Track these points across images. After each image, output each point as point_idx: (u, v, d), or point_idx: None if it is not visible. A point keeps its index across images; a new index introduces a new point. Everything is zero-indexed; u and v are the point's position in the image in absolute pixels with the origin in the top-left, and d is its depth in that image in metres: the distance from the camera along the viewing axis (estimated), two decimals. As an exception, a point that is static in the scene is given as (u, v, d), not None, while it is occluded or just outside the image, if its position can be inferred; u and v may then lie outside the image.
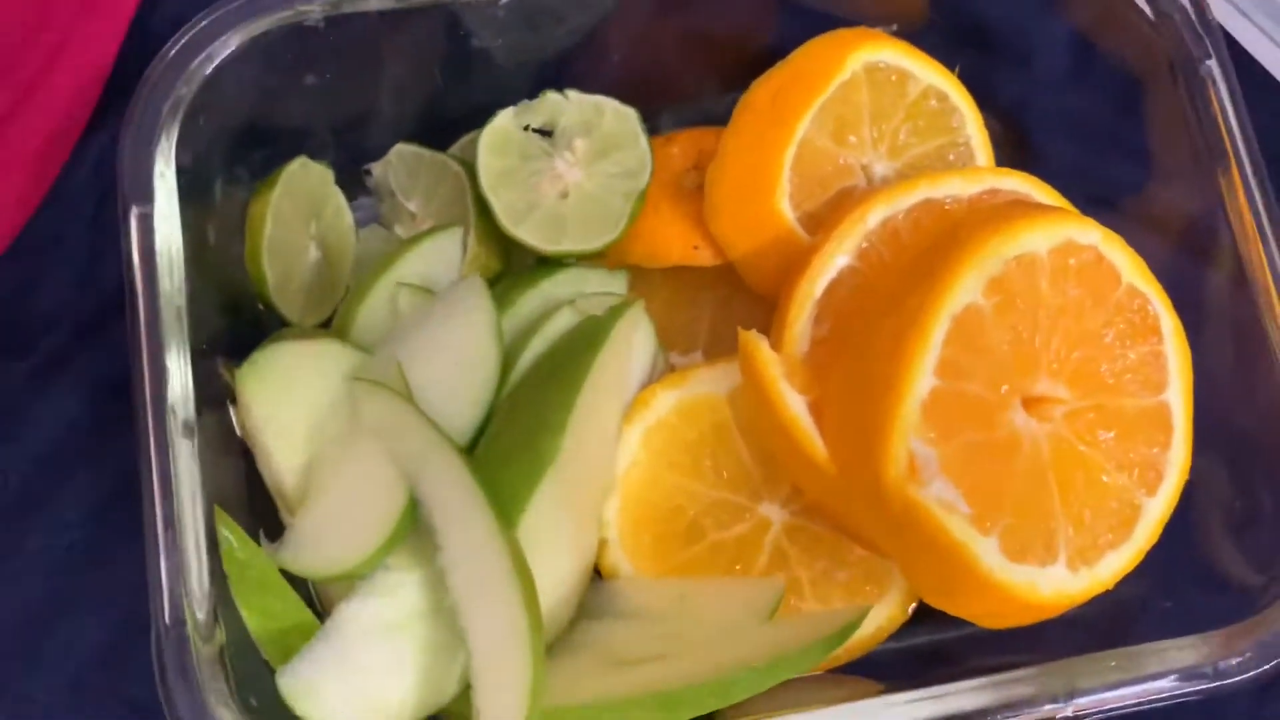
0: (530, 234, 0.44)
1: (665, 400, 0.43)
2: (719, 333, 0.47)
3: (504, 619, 0.35)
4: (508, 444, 0.39)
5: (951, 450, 0.37)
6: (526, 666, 0.35)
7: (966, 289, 0.38)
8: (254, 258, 0.43)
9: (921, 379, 0.37)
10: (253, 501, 0.41)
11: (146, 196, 0.39)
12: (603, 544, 0.43)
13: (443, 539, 0.37)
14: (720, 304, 0.48)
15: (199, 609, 0.36)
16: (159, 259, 0.38)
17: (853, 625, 0.38)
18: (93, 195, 0.49)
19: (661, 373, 0.45)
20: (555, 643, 0.40)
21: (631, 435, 0.43)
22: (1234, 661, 0.38)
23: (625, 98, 0.47)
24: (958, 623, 0.40)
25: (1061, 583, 0.38)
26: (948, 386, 0.38)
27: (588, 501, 0.41)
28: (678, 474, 0.43)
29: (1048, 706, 0.37)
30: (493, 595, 0.35)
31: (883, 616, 0.42)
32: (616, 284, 0.46)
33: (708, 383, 0.44)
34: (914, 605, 0.43)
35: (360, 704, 0.37)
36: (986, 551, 0.37)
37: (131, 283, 0.38)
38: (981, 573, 0.37)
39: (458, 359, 0.40)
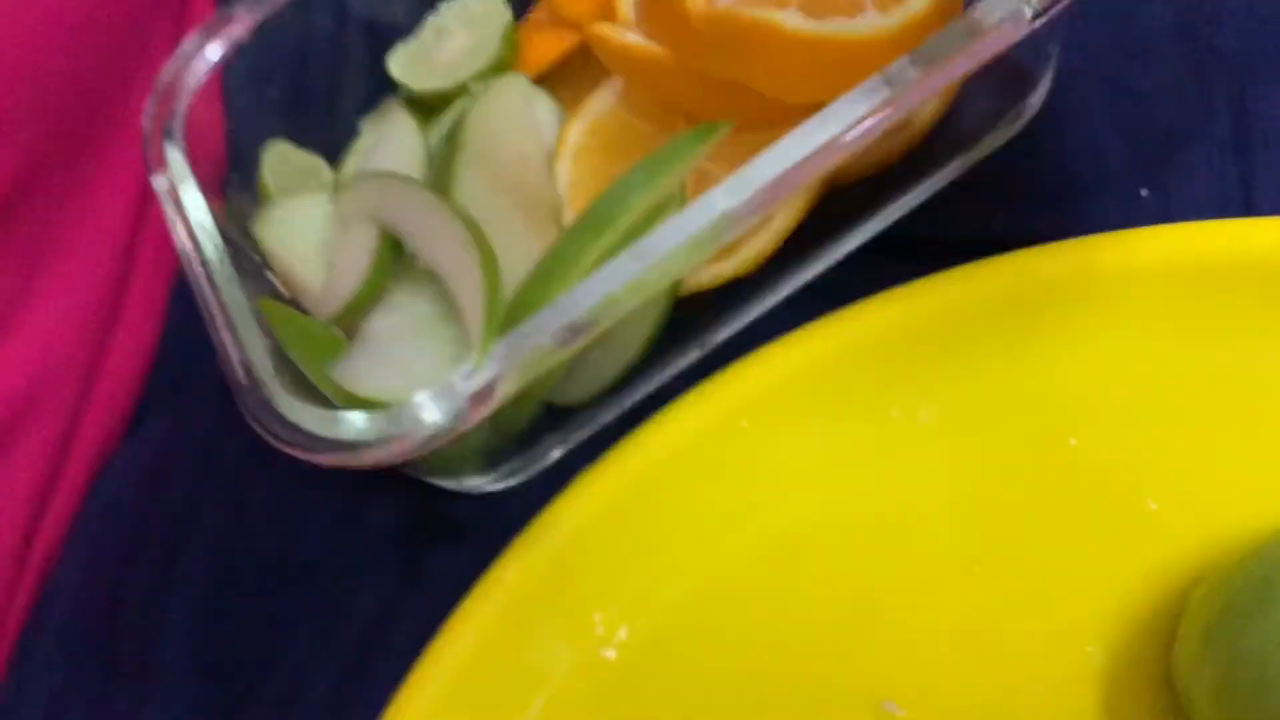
0: None
1: (576, 129, 0.53)
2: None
3: (456, 247, 0.45)
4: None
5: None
6: (478, 267, 0.44)
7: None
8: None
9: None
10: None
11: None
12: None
13: (409, 234, 0.47)
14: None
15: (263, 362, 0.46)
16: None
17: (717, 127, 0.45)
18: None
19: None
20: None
21: (562, 163, 0.53)
22: None
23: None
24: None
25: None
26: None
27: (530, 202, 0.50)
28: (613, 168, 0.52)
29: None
30: (445, 236, 0.45)
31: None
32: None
33: (602, 99, 0.53)
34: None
35: (396, 378, 0.46)
36: (788, 19, 0.44)
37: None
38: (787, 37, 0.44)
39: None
